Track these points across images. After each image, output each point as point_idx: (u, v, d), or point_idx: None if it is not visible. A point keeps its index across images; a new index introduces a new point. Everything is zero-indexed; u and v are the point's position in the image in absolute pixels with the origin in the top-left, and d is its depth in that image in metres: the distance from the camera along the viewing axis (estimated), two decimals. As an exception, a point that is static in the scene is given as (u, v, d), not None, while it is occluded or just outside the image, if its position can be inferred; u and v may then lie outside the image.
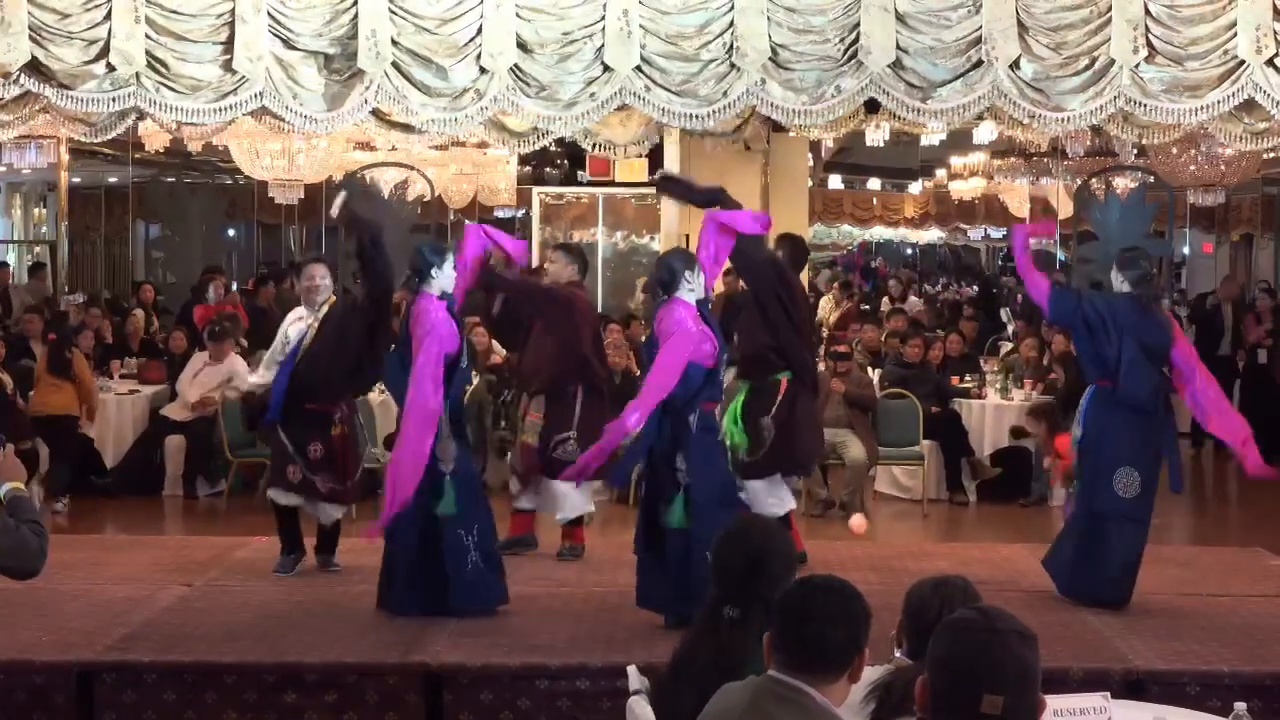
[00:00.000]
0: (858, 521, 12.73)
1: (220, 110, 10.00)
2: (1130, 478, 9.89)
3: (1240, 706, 5.70)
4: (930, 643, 3.75)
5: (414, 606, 9.64)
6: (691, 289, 9.41)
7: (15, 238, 30.11)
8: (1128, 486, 9.89)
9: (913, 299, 26.21)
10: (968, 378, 16.54)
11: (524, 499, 11.85)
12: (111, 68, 9.76)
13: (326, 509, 10.97)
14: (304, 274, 11.15)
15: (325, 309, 10.77)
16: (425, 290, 9.67)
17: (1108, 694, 5.74)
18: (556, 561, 11.43)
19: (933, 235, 41.74)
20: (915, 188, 36.69)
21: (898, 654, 5.19)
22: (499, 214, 31.84)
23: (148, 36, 9.72)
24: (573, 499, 11.57)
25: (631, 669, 5.60)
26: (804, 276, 12.67)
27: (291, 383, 10.70)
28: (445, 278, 9.76)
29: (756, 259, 10.94)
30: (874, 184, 37.32)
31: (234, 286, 23.34)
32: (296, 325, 10.93)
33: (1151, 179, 21.75)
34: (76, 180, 25.59)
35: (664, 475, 9.33)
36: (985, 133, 23.19)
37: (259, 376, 11.60)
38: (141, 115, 10.71)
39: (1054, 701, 5.57)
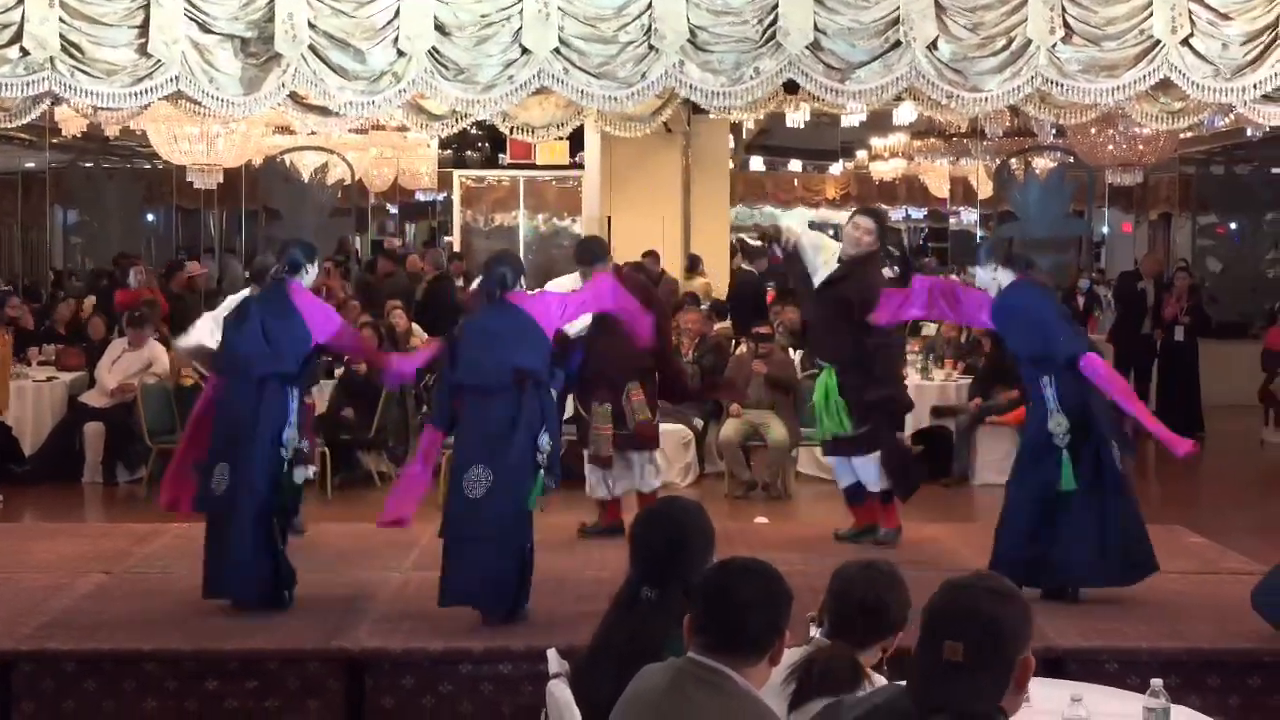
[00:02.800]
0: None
1: (136, 94, 9.89)
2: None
3: (1157, 683, 5.74)
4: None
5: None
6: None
7: (-70, 225, 29.82)
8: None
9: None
10: (889, 358, 16.54)
11: (616, 485, 11.77)
12: (25, 52, 9.63)
13: (298, 470, 10.97)
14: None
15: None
16: (297, 280, 9.63)
17: (1026, 672, 5.77)
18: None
19: (854, 216, 41.80)
20: (836, 169, 36.83)
21: (815, 633, 5.20)
22: (420, 197, 31.82)
23: (61, 20, 9.60)
24: (651, 470, 11.75)
25: (551, 652, 5.60)
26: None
27: None
28: (309, 277, 9.83)
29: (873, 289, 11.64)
30: (795, 165, 37.46)
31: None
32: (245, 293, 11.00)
33: (1070, 159, 21.91)
34: (-9, 166, 25.43)
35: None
36: (905, 114, 23.34)
37: (184, 339, 11.47)
38: (57, 100, 10.60)
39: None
